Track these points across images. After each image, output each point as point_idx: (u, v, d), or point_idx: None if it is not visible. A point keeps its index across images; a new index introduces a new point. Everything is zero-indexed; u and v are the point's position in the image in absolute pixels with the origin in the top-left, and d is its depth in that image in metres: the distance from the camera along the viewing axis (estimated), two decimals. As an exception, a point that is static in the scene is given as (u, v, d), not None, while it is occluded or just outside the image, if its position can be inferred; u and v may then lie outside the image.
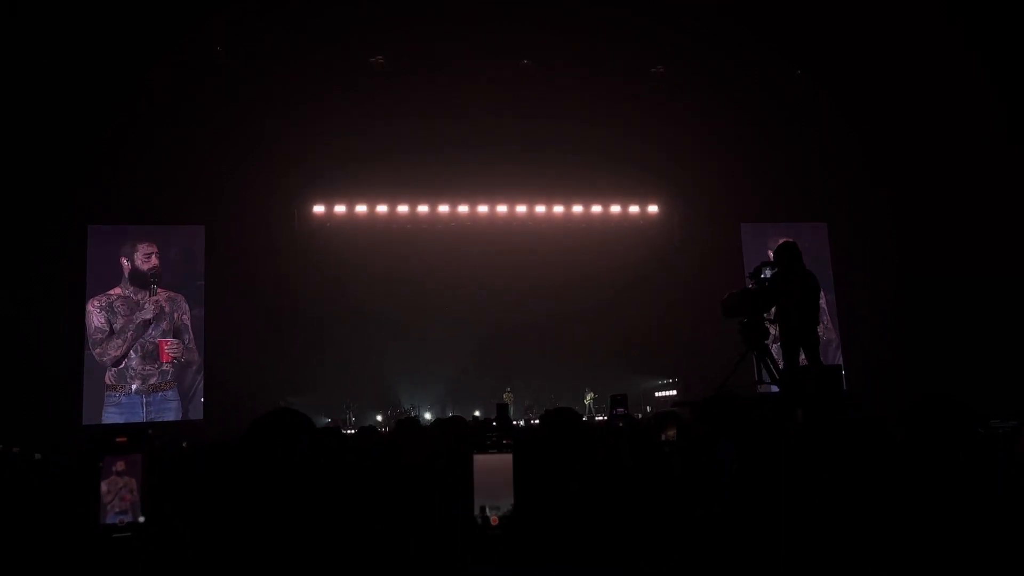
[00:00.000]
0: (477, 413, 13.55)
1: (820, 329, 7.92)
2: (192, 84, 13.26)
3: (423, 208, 15.19)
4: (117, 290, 13.61)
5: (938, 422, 2.39)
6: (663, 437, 4.09)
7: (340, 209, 14.96)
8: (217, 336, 13.71)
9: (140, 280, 13.69)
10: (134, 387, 13.39)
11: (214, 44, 13.13)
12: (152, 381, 13.49)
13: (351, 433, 9.14)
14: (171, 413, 13.42)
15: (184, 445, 4.68)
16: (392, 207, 15.08)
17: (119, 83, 12.94)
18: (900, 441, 2.47)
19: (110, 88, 12.93)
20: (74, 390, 13.13)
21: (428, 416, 13.93)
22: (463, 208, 15.36)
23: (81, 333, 13.35)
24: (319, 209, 14.89)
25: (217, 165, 13.42)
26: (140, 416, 13.23)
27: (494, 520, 2.05)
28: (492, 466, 2.10)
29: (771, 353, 7.40)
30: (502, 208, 15.49)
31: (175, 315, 13.76)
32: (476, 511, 2.07)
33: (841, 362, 14.65)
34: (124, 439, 2.08)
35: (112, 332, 13.42)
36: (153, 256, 13.76)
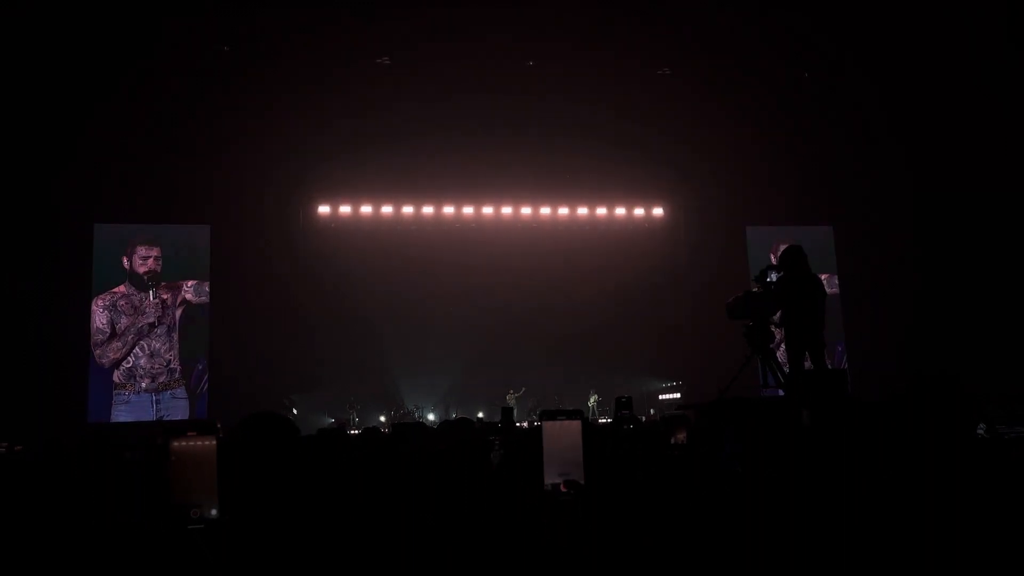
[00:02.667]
0: (481, 415, 13.53)
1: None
2: (198, 84, 13.29)
3: (428, 209, 15.20)
4: (121, 288, 13.66)
5: (934, 395, 2.42)
6: (672, 440, 4.09)
7: (345, 210, 14.98)
8: (222, 335, 13.74)
9: (137, 282, 13.75)
10: (143, 385, 13.44)
11: (221, 44, 13.15)
12: (161, 379, 13.53)
13: (354, 433, 9.13)
14: (180, 411, 13.46)
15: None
16: (397, 208, 15.10)
17: (126, 83, 12.98)
18: (895, 412, 2.48)
19: (117, 88, 12.98)
20: (79, 387, 13.18)
21: (431, 417, 13.94)
22: (468, 209, 15.37)
23: (87, 330, 13.40)
24: (324, 209, 14.91)
25: (223, 165, 13.45)
26: (150, 414, 13.30)
27: (563, 487, 2.08)
28: (561, 433, 2.13)
29: (776, 357, 7.38)
30: (507, 210, 15.49)
31: (178, 296, 13.81)
32: (546, 479, 2.10)
33: (846, 366, 14.62)
34: (194, 433, 2.08)
35: (113, 334, 13.47)
36: (151, 260, 13.77)
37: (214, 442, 2.08)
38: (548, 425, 2.16)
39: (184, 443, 2.06)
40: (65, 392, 12.89)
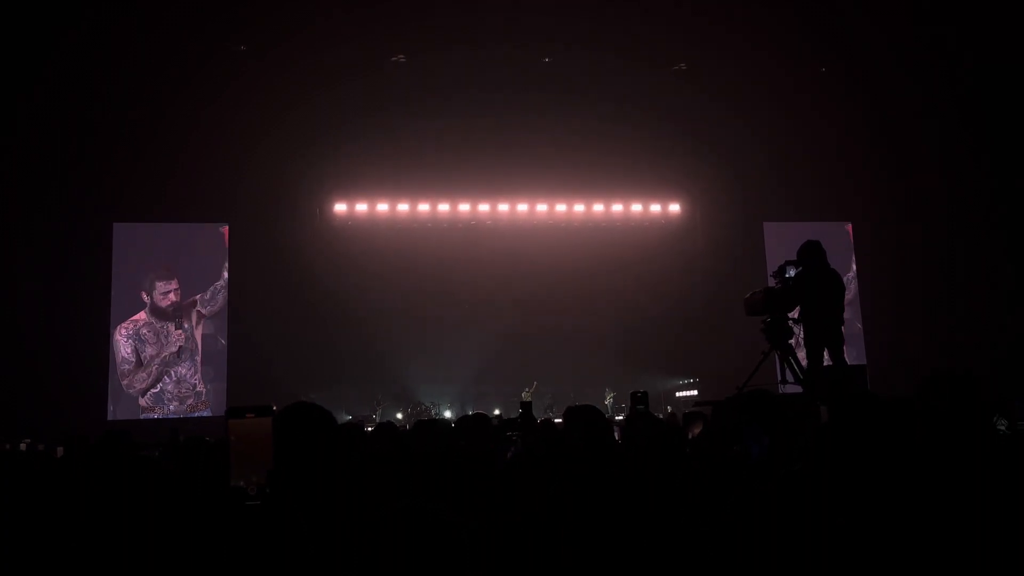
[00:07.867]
0: (497, 411, 13.50)
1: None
2: (214, 84, 13.36)
3: (444, 207, 15.21)
4: (142, 315, 13.79)
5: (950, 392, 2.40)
6: (689, 436, 4.08)
7: (362, 208, 15.02)
8: (239, 332, 13.83)
9: (160, 314, 13.87)
10: (171, 408, 13.56)
11: (237, 43, 13.21)
12: (189, 402, 13.66)
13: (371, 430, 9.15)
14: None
15: (208, 439, 4.71)
16: (413, 205, 15.12)
17: (143, 82, 13.09)
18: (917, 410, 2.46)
19: (133, 88, 13.09)
20: (99, 386, 13.30)
21: (448, 414, 13.95)
22: (484, 207, 15.37)
23: (106, 329, 13.51)
24: (341, 208, 14.96)
25: (240, 164, 13.51)
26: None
27: None
28: None
29: (795, 353, 7.32)
30: (523, 207, 15.48)
31: (193, 315, 13.90)
32: None
33: (865, 362, 14.50)
34: (252, 415, 2.18)
35: (140, 363, 13.59)
36: (171, 294, 13.86)
37: (270, 420, 2.20)
38: None
39: (242, 423, 2.18)
40: (84, 391, 13.01)
